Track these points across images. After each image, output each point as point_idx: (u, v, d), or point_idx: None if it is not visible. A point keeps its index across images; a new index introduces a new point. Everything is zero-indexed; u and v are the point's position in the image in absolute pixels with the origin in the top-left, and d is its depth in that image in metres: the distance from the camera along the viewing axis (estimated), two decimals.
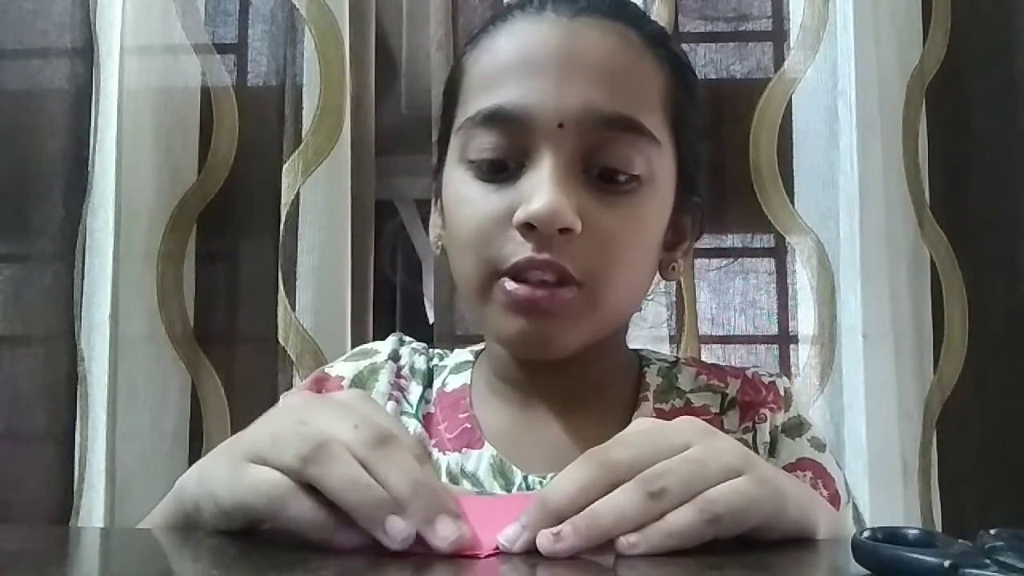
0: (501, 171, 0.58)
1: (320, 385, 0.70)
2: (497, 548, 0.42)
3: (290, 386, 1.02)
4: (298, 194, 1.05)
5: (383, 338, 0.74)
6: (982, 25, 1.08)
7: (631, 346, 0.72)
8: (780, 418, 0.66)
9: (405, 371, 0.70)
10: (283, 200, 1.05)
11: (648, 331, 1.02)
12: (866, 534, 0.37)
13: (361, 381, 0.69)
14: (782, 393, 0.68)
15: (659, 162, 0.60)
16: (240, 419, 1.10)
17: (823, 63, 1.07)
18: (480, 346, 0.72)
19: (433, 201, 0.69)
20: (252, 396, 1.10)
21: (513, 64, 0.59)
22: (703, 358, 1.05)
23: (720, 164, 1.11)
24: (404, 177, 1.17)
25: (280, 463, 0.42)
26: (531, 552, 0.41)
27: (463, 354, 0.72)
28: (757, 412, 0.65)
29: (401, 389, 0.69)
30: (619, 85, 0.58)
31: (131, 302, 1.08)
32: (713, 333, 1.11)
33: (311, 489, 0.41)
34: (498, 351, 0.66)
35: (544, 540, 0.40)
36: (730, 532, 0.42)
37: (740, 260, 1.13)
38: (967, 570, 0.32)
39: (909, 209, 1.05)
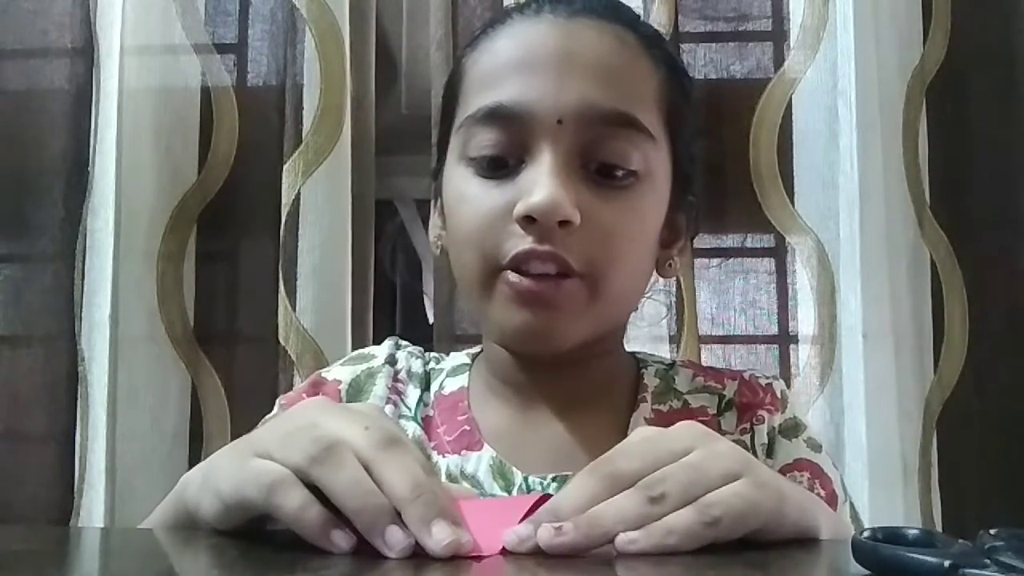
0: (501, 167, 0.59)
1: (317, 389, 0.70)
2: (501, 550, 0.41)
3: (290, 386, 1.02)
4: (298, 194, 1.05)
5: (383, 338, 0.75)
6: (982, 25, 1.08)
7: (630, 347, 0.72)
8: (777, 419, 0.66)
9: (402, 375, 0.70)
10: (283, 200, 1.05)
11: (648, 331, 1.02)
12: (866, 534, 0.37)
13: (358, 385, 0.69)
14: (779, 395, 0.68)
15: (655, 158, 0.61)
16: (240, 419, 1.10)
17: (823, 63, 1.07)
18: (476, 349, 0.72)
19: (433, 202, 0.69)
20: (252, 396, 1.09)
21: (512, 63, 0.60)
22: (703, 358, 1.06)
23: (720, 164, 1.11)
24: (404, 177, 1.17)
25: (287, 460, 0.42)
26: (534, 554, 0.41)
27: (459, 357, 0.72)
28: (755, 414, 0.66)
29: (399, 393, 0.69)
30: (616, 83, 0.59)
31: (131, 302, 1.08)
32: (713, 333, 1.11)
33: (315, 490, 0.41)
34: (497, 352, 0.66)
35: (545, 533, 0.41)
36: (730, 535, 0.42)
37: (740, 260, 1.13)
38: (967, 570, 0.32)
39: (909, 209, 1.05)
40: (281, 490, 0.41)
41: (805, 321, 1.08)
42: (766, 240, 1.12)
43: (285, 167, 1.05)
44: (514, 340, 0.62)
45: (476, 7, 1.12)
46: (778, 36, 1.14)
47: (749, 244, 1.13)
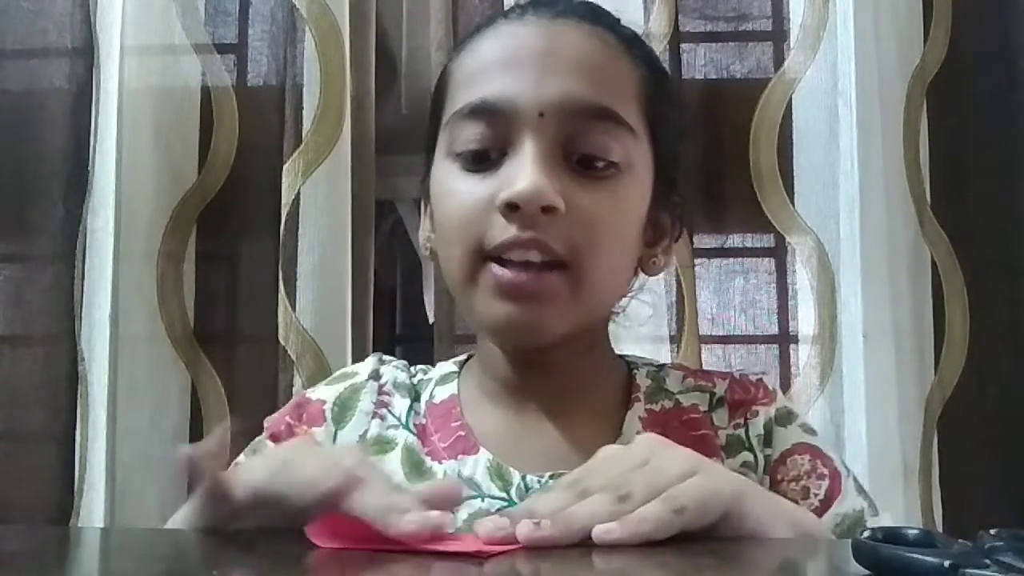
0: (484, 160, 0.60)
1: (301, 410, 0.71)
2: (482, 551, 0.42)
3: (290, 386, 1.02)
4: (298, 194, 1.05)
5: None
6: (983, 25, 1.08)
7: (630, 348, 0.73)
8: (772, 411, 0.68)
9: (388, 387, 0.70)
10: (283, 200, 1.05)
11: (648, 331, 1.02)
12: (866, 534, 0.37)
13: (343, 403, 0.70)
14: (770, 389, 0.69)
15: (636, 152, 0.62)
16: (240, 419, 1.10)
17: (823, 63, 1.06)
18: (463, 357, 0.73)
19: (422, 206, 0.71)
20: (252, 396, 1.09)
21: (496, 61, 0.62)
22: (703, 358, 1.06)
23: (720, 164, 1.11)
24: (404, 177, 1.17)
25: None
26: (535, 554, 0.41)
27: (446, 366, 0.73)
28: (748, 409, 0.67)
29: (385, 405, 0.69)
30: (596, 78, 0.61)
31: (131, 302, 1.08)
32: (713, 333, 1.11)
33: None
34: (490, 351, 0.67)
35: (525, 528, 0.43)
36: (696, 522, 0.45)
37: (740, 260, 1.13)
38: (967, 570, 0.32)
39: (910, 209, 1.05)
40: (352, 474, 0.47)
41: (805, 321, 1.08)
42: (766, 240, 1.12)
43: (285, 167, 1.05)
44: (498, 333, 0.63)
45: (476, 7, 1.12)
46: (778, 36, 1.14)
47: (749, 244, 1.13)
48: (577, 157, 0.60)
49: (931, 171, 1.06)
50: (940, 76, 1.07)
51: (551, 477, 0.61)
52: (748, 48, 1.15)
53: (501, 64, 0.61)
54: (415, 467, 0.65)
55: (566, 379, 0.65)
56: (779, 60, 1.12)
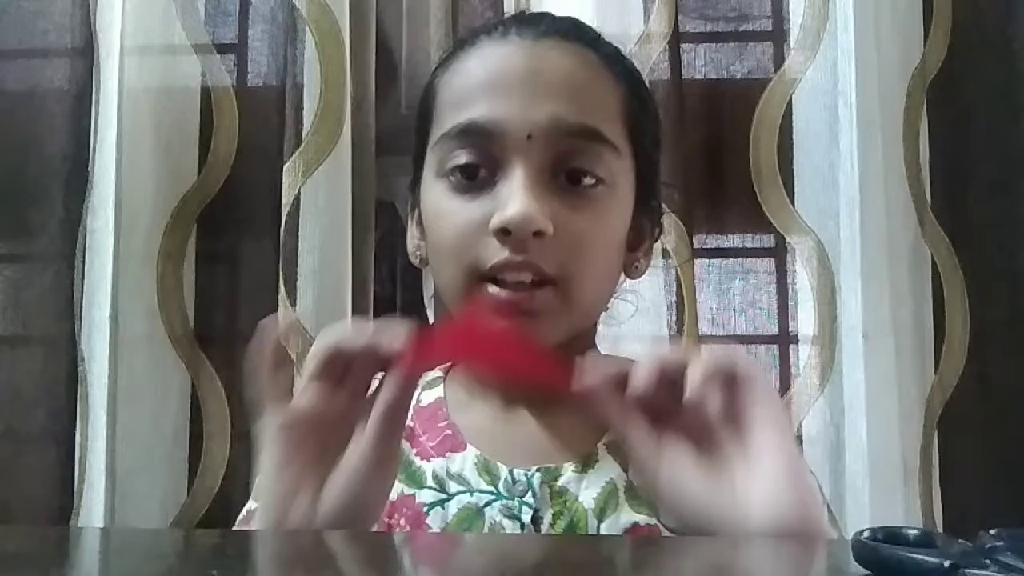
0: (474, 178, 0.62)
1: None
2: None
3: (291, 386, 1.02)
4: (298, 194, 1.04)
5: None
6: (983, 25, 1.08)
7: (628, 348, 0.74)
8: None
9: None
10: (283, 200, 1.05)
11: (648, 331, 1.02)
12: (866, 534, 0.37)
13: None
14: None
15: (619, 169, 0.64)
16: (240, 419, 1.10)
17: (823, 63, 1.06)
18: (448, 363, 0.74)
19: (410, 213, 0.72)
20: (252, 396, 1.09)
21: (483, 83, 0.64)
22: None
23: (720, 164, 1.11)
24: (404, 177, 1.16)
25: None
26: (537, 557, 0.41)
27: (432, 373, 0.74)
28: None
29: None
30: (581, 99, 0.63)
31: (131, 302, 1.08)
32: (713, 333, 1.11)
33: None
34: None
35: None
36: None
37: (740, 260, 1.13)
38: (967, 570, 0.32)
39: (910, 209, 1.05)
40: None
41: (805, 321, 1.07)
42: (766, 240, 1.12)
43: (285, 167, 1.05)
44: None
45: (476, 7, 1.12)
46: (778, 36, 1.14)
47: (749, 244, 1.13)
48: (564, 175, 0.62)
49: (931, 171, 1.06)
50: (940, 76, 1.07)
51: (537, 470, 0.63)
52: (748, 48, 1.15)
53: (488, 86, 0.63)
54: (404, 467, 0.66)
55: None
56: (779, 60, 1.12)
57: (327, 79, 1.06)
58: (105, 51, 1.09)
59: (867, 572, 0.35)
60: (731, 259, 1.13)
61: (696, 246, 1.07)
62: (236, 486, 1.08)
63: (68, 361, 1.08)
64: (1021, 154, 1.05)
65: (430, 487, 0.64)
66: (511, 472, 0.64)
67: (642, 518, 0.61)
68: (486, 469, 0.64)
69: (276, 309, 1.04)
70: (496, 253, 0.60)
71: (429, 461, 0.66)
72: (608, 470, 0.63)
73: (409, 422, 0.69)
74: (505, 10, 1.09)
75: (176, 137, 1.12)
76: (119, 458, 1.05)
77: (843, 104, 1.03)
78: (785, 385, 1.08)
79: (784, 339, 1.10)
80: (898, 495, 0.99)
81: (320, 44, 1.06)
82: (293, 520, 0.50)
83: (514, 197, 0.59)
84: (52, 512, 1.06)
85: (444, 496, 0.64)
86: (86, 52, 1.11)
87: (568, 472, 0.63)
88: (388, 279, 1.25)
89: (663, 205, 0.75)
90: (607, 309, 0.73)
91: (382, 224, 1.13)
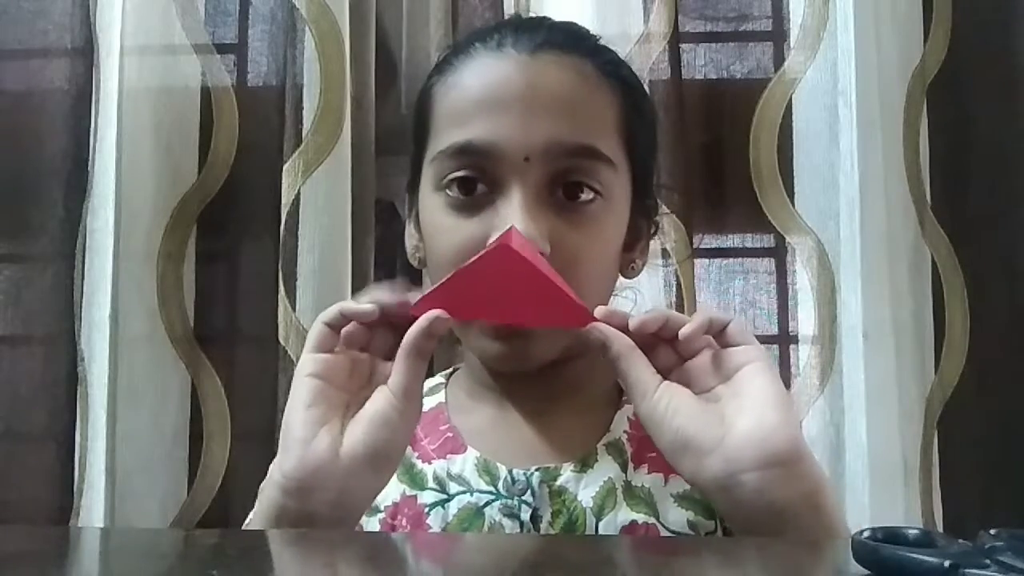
0: (471, 193, 0.62)
1: None
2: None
3: (290, 385, 1.02)
4: (298, 194, 1.05)
5: None
6: (983, 25, 1.08)
7: None
8: None
9: None
10: (283, 200, 1.05)
11: None
12: (866, 534, 0.37)
13: None
14: None
15: (616, 182, 0.65)
16: (240, 419, 1.10)
17: (823, 63, 1.06)
18: (449, 370, 0.75)
19: (408, 214, 0.73)
20: (252, 396, 1.09)
21: (480, 101, 0.63)
22: None
23: (720, 164, 1.11)
24: (404, 177, 1.16)
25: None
26: (536, 556, 0.41)
27: (434, 379, 0.75)
28: None
29: None
30: (578, 117, 0.63)
31: (131, 302, 1.08)
32: None
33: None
34: (477, 362, 0.69)
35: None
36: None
37: (740, 260, 1.13)
38: (967, 570, 0.32)
39: (910, 209, 1.05)
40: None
41: (805, 321, 1.08)
42: (766, 240, 1.12)
43: (285, 167, 1.05)
44: (491, 363, 0.66)
45: (476, 7, 1.12)
46: (778, 36, 1.14)
47: (749, 244, 1.13)
48: (561, 190, 0.62)
49: (931, 171, 1.06)
50: (940, 76, 1.07)
51: (536, 470, 0.64)
52: (748, 48, 1.15)
53: (485, 105, 0.63)
54: (406, 469, 0.66)
55: (553, 381, 0.67)
56: (779, 60, 1.12)
57: (327, 79, 1.06)
58: (105, 51, 1.09)
59: (867, 572, 0.35)
60: (731, 259, 1.13)
61: (696, 246, 1.07)
62: (236, 486, 1.08)
63: (68, 361, 1.08)
64: (1021, 154, 1.05)
65: (431, 488, 0.65)
66: (510, 472, 0.64)
67: (640, 516, 0.61)
68: (486, 470, 0.65)
69: (276, 309, 1.04)
70: None
71: (430, 463, 0.66)
72: (606, 469, 0.63)
73: None
74: (505, 10, 1.09)
75: (176, 137, 1.12)
76: (119, 458, 1.05)
77: (843, 104, 1.03)
78: (785, 385, 1.08)
79: (784, 339, 1.10)
80: (898, 495, 0.99)
81: (320, 44, 1.06)
82: (310, 460, 0.51)
83: (512, 219, 0.59)
84: (52, 512, 1.06)
85: (445, 497, 0.64)
86: (86, 52, 1.11)
87: (567, 472, 0.64)
88: (388, 279, 1.25)
89: (660, 204, 0.75)
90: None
91: (382, 224, 1.13)
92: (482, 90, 0.64)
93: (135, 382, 1.07)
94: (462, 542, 0.52)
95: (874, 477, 0.97)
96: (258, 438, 1.05)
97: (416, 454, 0.67)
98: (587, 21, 0.95)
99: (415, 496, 0.65)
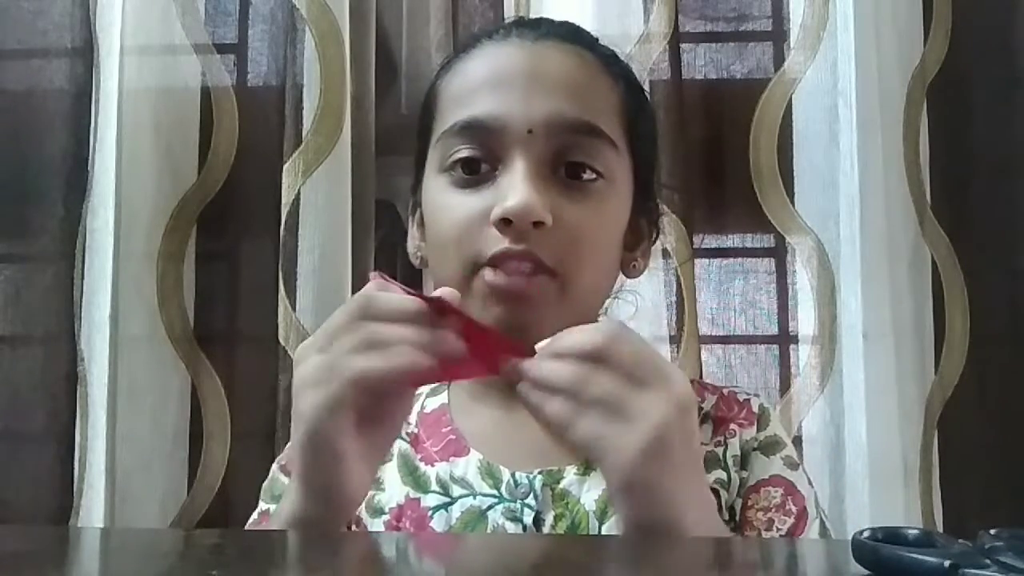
0: (475, 172, 0.63)
1: None
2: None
3: (291, 386, 1.02)
4: (298, 194, 1.05)
5: None
6: (983, 25, 1.08)
7: None
8: (749, 433, 0.69)
9: None
10: (283, 200, 1.05)
11: (648, 331, 1.02)
12: (866, 534, 0.37)
13: None
14: (756, 411, 0.70)
15: (617, 164, 0.66)
16: (240, 419, 1.10)
17: (823, 63, 1.06)
18: None
19: (411, 215, 0.73)
20: (252, 396, 1.09)
21: (484, 81, 0.65)
22: (703, 358, 1.06)
23: (720, 164, 1.11)
24: (404, 177, 1.15)
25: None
26: (537, 556, 0.41)
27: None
28: (727, 427, 0.69)
29: None
30: (580, 96, 0.64)
31: (131, 302, 1.08)
32: (713, 333, 1.11)
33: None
34: None
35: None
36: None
37: (740, 260, 1.13)
38: (967, 570, 0.32)
39: (910, 209, 1.05)
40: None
41: (805, 321, 1.07)
42: (766, 240, 1.12)
43: (285, 167, 1.05)
44: None
45: (476, 7, 1.11)
46: (778, 36, 1.14)
47: (749, 244, 1.13)
48: (564, 170, 0.63)
49: (931, 171, 1.06)
50: (940, 76, 1.07)
51: (539, 473, 0.64)
52: (748, 48, 1.15)
53: (489, 84, 0.64)
54: (410, 472, 0.67)
55: None
56: (779, 60, 1.12)
57: (327, 79, 1.06)
58: (105, 51, 1.09)
59: (867, 572, 0.35)
60: (731, 259, 1.13)
61: (696, 246, 1.07)
62: (236, 486, 1.08)
63: (68, 361, 1.08)
64: (1021, 154, 1.05)
65: (434, 491, 0.65)
66: (513, 475, 0.64)
67: None
68: (489, 472, 0.65)
69: (276, 309, 1.04)
70: (496, 243, 0.61)
71: (433, 466, 0.67)
72: None
73: (414, 428, 0.70)
74: (505, 10, 1.09)
75: (176, 137, 1.12)
76: (119, 458, 1.05)
77: (843, 104, 1.03)
78: (785, 385, 1.08)
79: (784, 339, 1.10)
80: (898, 495, 0.99)
81: (320, 44, 1.06)
82: (349, 490, 0.52)
83: (515, 188, 0.60)
84: (52, 512, 1.06)
85: (448, 500, 0.65)
86: (86, 52, 1.11)
87: (570, 475, 0.64)
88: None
89: (661, 205, 0.76)
90: (605, 312, 0.73)
91: (382, 224, 1.13)
92: (486, 72, 0.66)
93: (135, 382, 1.07)
94: (462, 542, 0.52)
95: (874, 477, 0.97)
96: (258, 438, 1.05)
97: (419, 456, 0.68)
98: (587, 21, 0.95)
99: (419, 499, 0.65)
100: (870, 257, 1.01)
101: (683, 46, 1.10)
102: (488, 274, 0.61)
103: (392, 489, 0.66)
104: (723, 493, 0.65)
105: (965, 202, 1.06)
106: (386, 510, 0.65)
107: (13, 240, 1.13)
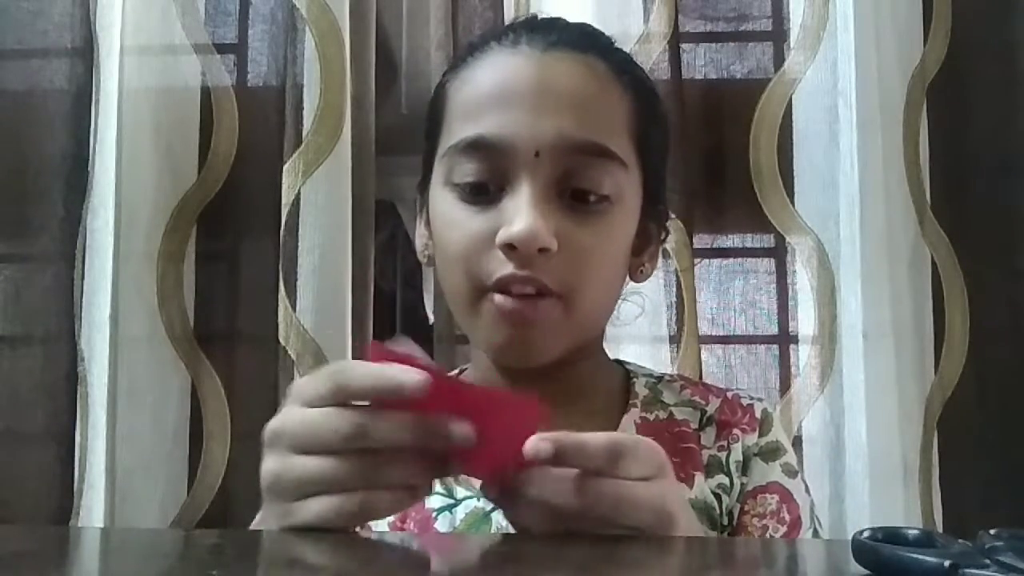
0: (483, 193, 0.63)
1: None
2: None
3: (291, 384, 1.02)
4: (298, 194, 1.04)
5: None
6: (983, 25, 1.08)
7: (631, 348, 0.74)
8: (751, 439, 0.69)
9: None
10: (283, 200, 1.05)
11: (648, 331, 1.02)
12: (866, 534, 0.37)
13: None
14: (758, 416, 0.71)
15: (626, 183, 0.65)
16: (240, 419, 1.10)
17: (823, 63, 1.06)
18: (456, 371, 0.75)
19: (418, 212, 0.73)
20: (252, 396, 1.09)
21: (492, 95, 0.64)
22: (703, 358, 1.06)
23: (720, 164, 1.11)
24: (404, 177, 1.17)
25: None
26: (539, 552, 0.41)
27: None
28: (731, 432, 0.69)
29: None
30: (589, 114, 0.63)
31: (131, 302, 1.08)
32: (713, 333, 1.11)
33: None
34: (485, 361, 0.69)
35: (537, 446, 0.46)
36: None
37: (740, 260, 1.13)
38: (967, 570, 0.32)
39: (910, 209, 1.05)
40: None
41: (805, 321, 1.08)
42: (766, 240, 1.12)
43: (285, 167, 1.05)
44: (498, 354, 0.66)
45: (476, 7, 1.11)
46: (778, 36, 1.14)
47: (749, 244, 1.13)
48: (570, 192, 0.62)
49: (931, 171, 1.06)
50: (940, 76, 1.07)
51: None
52: (748, 48, 1.15)
53: (497, 100, 0.63)
54: None
55: (560, 386, 0.67)
56: (779, 60, 1.12)
57: (327, 79, 1.06)
58: (105, 51, 1.09)
59: (867, 572, 0.35)
60: (731, 259, 1.13)
61: (696, 246, 1.07)
62: (236, 486, 1.08)
63: (68, 361, 1.08)
64: (1021, 154, 1.05)
65: (439, 493, 0.65)
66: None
67: None
68: None
69: (276, 309, 1.04)
70: (501, 267, 0.61)
71: None
72: None
73: None
74: (505, 10, 1.09)
75: (176, 137, 1.12)
76: (119, 458, 1.05)
77: (843, 104, 1.03)
78: (785, 385, 1.08)
79: (784, 339, 1.10)
80: (898, 495, 0.99)
81: (320, 44, 1.06)
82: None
83: (520, 214, 0.60)
84: (52, 512, 1.06)
85: (452, 502, 0.65)
86: (86, 52, 1.11)
87: None
88: (388, 279, 1.25)
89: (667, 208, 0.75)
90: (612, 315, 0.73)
91: (382, 224, 1.13)
92: (494, 85, 0.64)
93: (135, 382, 1.07)
94: (462, 541, 0.52)
95: (874, 477, 0.97)
96: (258, 438, 1.05)
97: None
98: (587, 21, 0.95)
99: (423, 500, 0.65)
100: (870, 257, 1.01)
101: (683, 46, 1.10)
102: (497, 298, 0.61)
103: None
104: (724, 498, 0.66)
105: (965, 202, 1.06)
106: None
107: (13, 240, 1.13)
